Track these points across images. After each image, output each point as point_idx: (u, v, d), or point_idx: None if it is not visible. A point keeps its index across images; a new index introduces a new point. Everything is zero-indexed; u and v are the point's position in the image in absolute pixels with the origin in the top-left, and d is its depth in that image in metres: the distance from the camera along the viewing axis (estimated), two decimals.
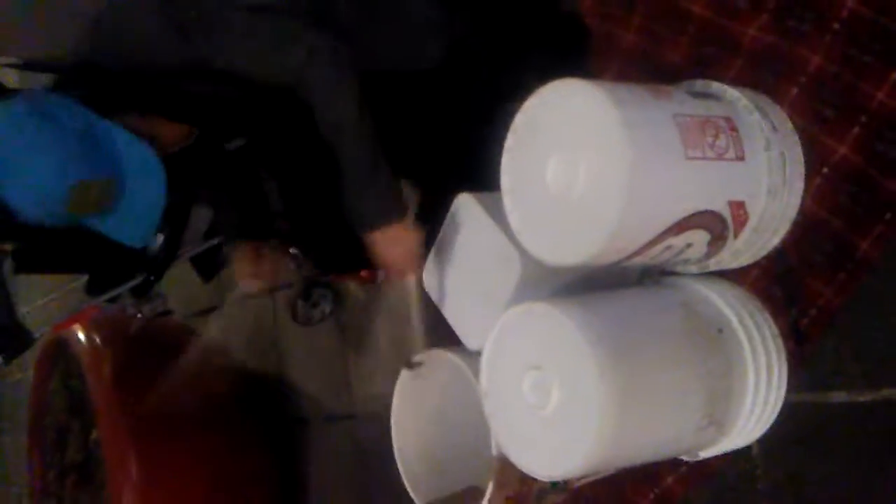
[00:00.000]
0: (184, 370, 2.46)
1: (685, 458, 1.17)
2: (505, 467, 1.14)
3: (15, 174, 1.14)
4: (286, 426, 2.73)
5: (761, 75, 1.18)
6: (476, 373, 1.13)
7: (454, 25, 1.27)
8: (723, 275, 1.17)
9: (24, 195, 1.14)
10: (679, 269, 1.18)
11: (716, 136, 1.01)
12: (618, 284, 1.20)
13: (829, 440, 1.16)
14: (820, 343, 1.15)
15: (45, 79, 1.34)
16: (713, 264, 1.14)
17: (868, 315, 1.11)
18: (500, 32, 1.35)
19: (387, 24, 1.28)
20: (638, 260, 1.04)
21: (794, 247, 1.15)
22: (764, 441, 1.16)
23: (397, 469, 1.37)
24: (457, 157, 1.27)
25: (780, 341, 1.12)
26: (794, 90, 1.15)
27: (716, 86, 1.11)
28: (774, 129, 1.07)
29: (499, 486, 1.18)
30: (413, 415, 1.37)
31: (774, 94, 1.15)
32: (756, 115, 1.07)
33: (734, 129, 1.04)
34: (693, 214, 1.00)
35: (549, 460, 1.02)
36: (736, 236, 1.08)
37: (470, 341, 1.19)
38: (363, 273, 1.94)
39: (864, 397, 1.11)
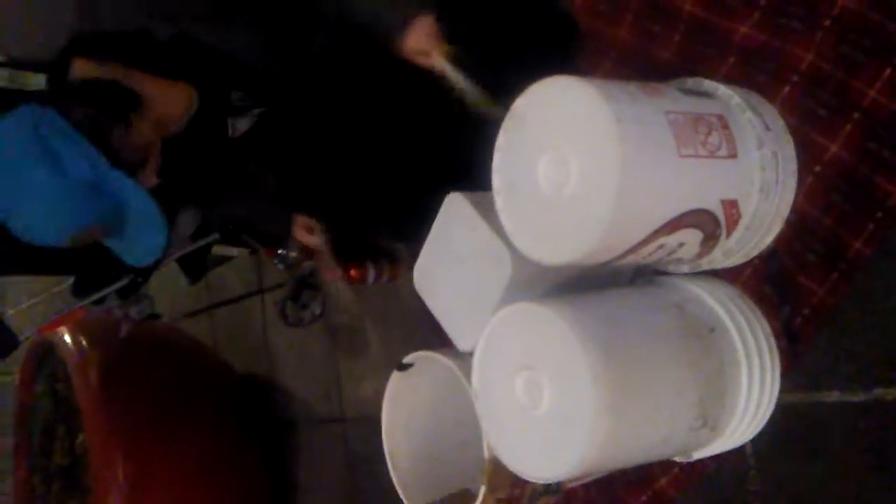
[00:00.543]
0: (171, 373, 2.45)
1: (678, 459, 1.16)
2: (497, 469, 1.13)
3: (18, 217, 1.18)
4: (276, 429, 2.72)
5: (753, 73, 1.18)
6: (467, 374, 1.12)
7: (443, 18, 1.26)
8: (715, 274, 1.17)
9: (25, 233, 1.18)
10: (671, 268, 1.17)
11: (708, 134, 1.01)
12: (610, 284, 1.19)
13: (822, 440, 1.16)
14: (813, 343, 1.14)
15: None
16: (705, 263, 1.14)
17: (861, 314, 1.11)
18: (491, 30, 1.34)
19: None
20: (630, 259, 1.04)
21: (787, 246, 1.14)
22: (757, 441, 1.16)
23: (388, 472, 1.36)
24: (447, 156, 1.27)
25: (772, 341, 1.12)
26: (786, 88, 1.15)
27: (708, 83, 1.11)
28: (767, 127, 1.07)
29: (491, 489, 1.18)
30: (404, 417, 1.36)
31: (766, 92, 1.15)
32: (748, 113, 1.06)
33: (726, 126, 1.04)
34: (686, 213, 1.00)
35: (541, 462, 1.01)
36: (728, 235, 1.07)
37: (461, 342, 1.18)
38: (353, 273, 1.93)
39: (858, 397, 1.11)
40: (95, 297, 2.15)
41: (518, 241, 1.04)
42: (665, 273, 1.19)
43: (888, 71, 1.05)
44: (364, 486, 2.32)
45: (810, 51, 1.13)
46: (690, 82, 1.12)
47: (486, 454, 1.15)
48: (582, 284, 1.13)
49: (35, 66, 1.35)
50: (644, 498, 1.34)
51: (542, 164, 0.99)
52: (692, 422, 1.04)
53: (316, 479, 2.61)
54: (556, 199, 0.98)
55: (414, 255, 1.26)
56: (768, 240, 1.12)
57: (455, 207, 1.18)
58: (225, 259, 2.69)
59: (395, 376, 1.34)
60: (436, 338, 1.26)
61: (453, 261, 1.19)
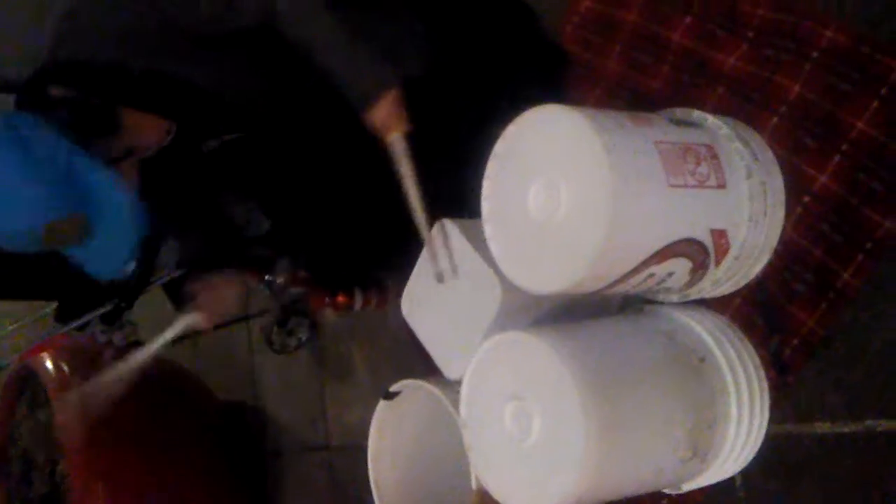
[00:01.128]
0: (154, 401, 2.41)
1: (668, 490, 1.15)
2: (484, 501, 1.12)
3: None
4: (260, 457, 2.68)
5: (742, 104, 1.19)
6: (455, 403, 1.11)
7: (435, 44, 1.26)
8: (704, 303, 1.17)
9: None
10: (660, 297, 1.17)
11: (697, 164, 1.01)
12: (599, 313, 1.18)
13: (812, 471, 1.15)
14: (802, 373, 1.14)
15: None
16: (694, 293, 1.14)
17: (850, 345, 1.11)
18: (481, 59, 1.35)
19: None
20: (620, 288, 1.03)
21: (776, 276, 1.14)
22: (747, 473, 1.15)
23: (373, 501, 1.35)
24: (437, 183, 1.26)
25: (762, 371, 1.11)
26: (775, 119, 1.15)
27: (696, 114, 1.11)
28: (755, 157, 1.07)
29: None
30: (390, 446, 1.35)
31: (755, 122, 1.15)
32: (737, 144, 1.07)
33: (715, 156, 1.04)
34: (675, 242, 0.99)
35: (529, 493, 1.00)
36: (717, 265, 1.07)
37: (449, 370, 1.17)
38: (340, 299, 1.92)
39: (847, 428, 1.10)
40: (78, 322, 2.13)
41: (507, 269, 1.03)
42: (654, 302, 1.18)
43: (876, 103, 1.06)
44: None
45: (798, 82, 1.13)
46: (679, 112, 1.13)
47: (473, 485, 1.14)
48: (571, 313, 1.13)
49: (4, 87, 1.34)
50: None
51: (531, 192, 0.99)
52: (682, 452, 1.03)
53: None
54: (545, 227, 0.97)
55: (402, 282, 1.25)
56: (757, 269, 1.12)
57: (444, 234, 1.17)
58: None
59: (382, 405, 1.33)
60: (423, 366, 1.25)
61: (441, 288, 1.18)
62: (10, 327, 2.72)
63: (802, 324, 1.13)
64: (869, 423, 1.08)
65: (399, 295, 1.26)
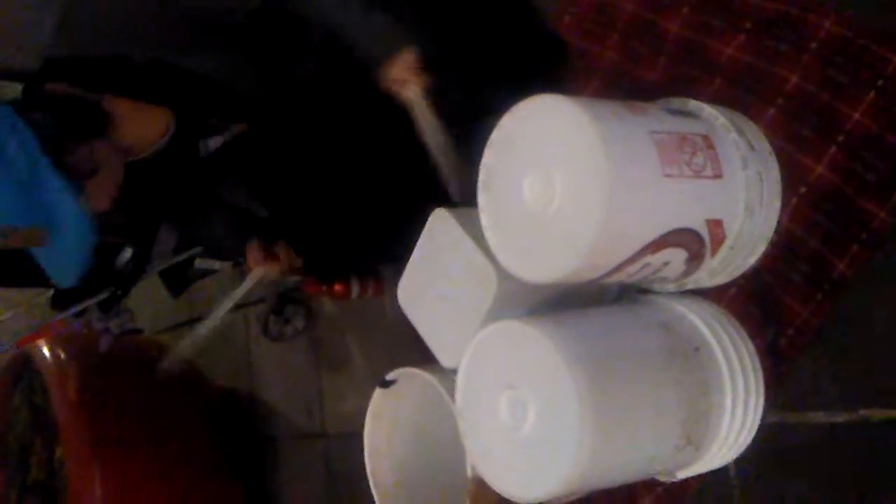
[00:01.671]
0: (151, 387, 2.41)
1: (662, 478, 1.16)
2: (480, 489, 1.12)
3: None
4: (256, 444, 2.69)
5: (739, 94, 1.18)
6: (451, 391, 1.11)
7: (429, 37, 1.26)
8: (700, 293, 1.17)
9: None
10: (656, 287, 1.17)
11: (693, 154, 1.01)
12: (595, 302, 1.19)
13: (806, 461, 1.16)
14: (797, 363, 1.15)
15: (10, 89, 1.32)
16: (690, 283, 1.14)
17: (845, 335, 1.11)
18: (478, 49, 1.35)
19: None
20: (615, 278, 1.03)
21: (772, 266, 1.14)
22: (741, 461, 1.15)
23: (369, 489, 1.35)
24: (433, 173, 1.26)
25: (757, 361, 1.11)
26: (772, 110, 1.15)
27: (693, 104, 1.11)
28: (752, 147, 1.07)
29: None
30: (386, 434, 1.35)
31: (752, 113, 1.15)
32: (733, 134, 1.07)
33: (711, 147, 1.04)
34: (670, 232, 1.00)
35: (525, 481, 1.00)
36: (713, 255, 1.08)
37: (445, 359, 1.17)
38: (337, 288, 1.92)
39: (842, 418, 1.11)
40: (75, 309, 2.13)
41: (503, 258, 1.03)
42: (650, 292, 1.19)
43: (872, 94, 1.06)
44: (345, 502, 2.30)
45: (796, 73, 1.13)
46: (676, 102, 1.13)
47: (469, 473, 1.15)
48: (567, 303, 1.13)
49: (10, 76, 1.33)
50: None
51: (527, 181, 0.99)
52: (676, 441, 1.04)
53: (296, 495, 2.59)
54: (541, 216, 0.97)
55: (398, 271, 1.25)
56: (753, 260, 1.13)
57: (440, 223, 1.18)
58: (207, 272, 2.67)
59: (378, 393, 1.33)
60: (419, 354, 1.26)
61: (438, 278, 1.18)
62: (7, 314, 2.72)
63: (797, 314, 1.13)
64: (863, 412, 1.09)
65: (395, 283, 1.26)
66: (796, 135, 1.13)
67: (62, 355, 2.37)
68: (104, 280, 2.07)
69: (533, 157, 0.99)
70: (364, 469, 1.35)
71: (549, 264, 0.98)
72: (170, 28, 1.20)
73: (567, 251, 0.95)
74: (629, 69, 1.32)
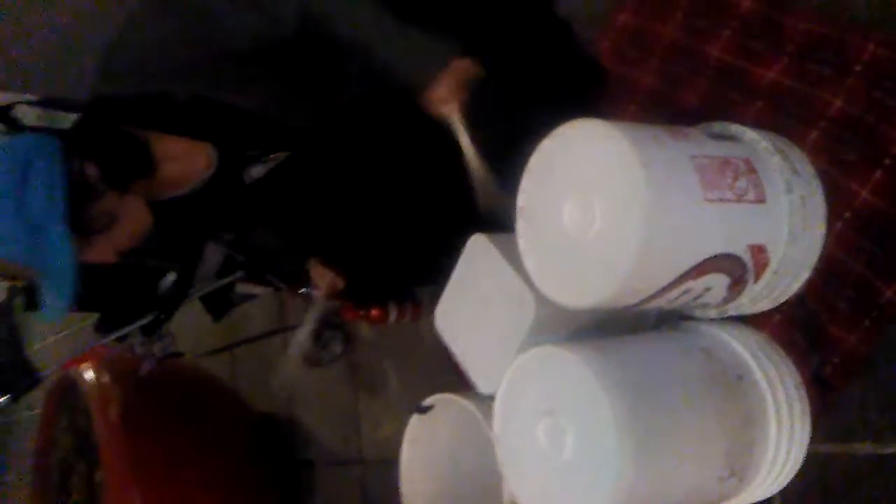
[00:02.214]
0: (192, 411, 2.44)
1: None
2: None
3: None
4: (294, 469, 2.70)
5: (781, 118, 1.17)
6: (488, 418, 1.10)
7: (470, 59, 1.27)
8: (743, 320, 1.15)
9: None
10: (697, 313, 1.15)
11: (735, 178, 1.00)
12: (634, 329, 1.17)
13: (853, 493, 1.13)
14: (844, 393, 1.12)
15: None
16: (732, 309, 1.12)
17: (894, 364, 1.08)
18: (518, 74, 1.35)
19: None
20: (655, 303, 1.02)
21: (816, 292, 1.12)
22: (786, 493, 1.12)
23: None
24: (472, 198, 1.26)
25: (802, 390, 1.09)
26: (815, 133, 1.14)
27: (734, 127, 1.10)
28: (795, 171, 1.05)
29: None
30: (422, 460, 1.34)
31: (794, 136, 1.13)
32: (776, 158, 1.05)
33: (753, 171, 1.03)
34: (712, 258, 0.98)
35: None
36: (756, 280, 1.06)
37: (482, 385, 1.16)
38: (374, 313, 1.92)
39: (891, 449, 1.08)
40: (118, 333, 2.16)
41: (541, 283, 1.03)
42: (690, 318, 1.17)
43: None
44: None
45: (839, 96, 1.12)
46: (717, 126, 1.12)
47: (506, 501, 1.13)
48: (606, 329, 1.12)
49: (65, 106, 1.37)
50: None
51: (566, 206, 0.98)
52: (720, 472, 1.02)
53: None
54: (580, 242, 0.97)
55: (436, 296, 1.25)
56: (796, 286, 1.10)
57: (478, 249, 1.17)
58: (248, 297, 2.69)
59: (415, 419, 1.32)
60: (457, 380, 1.25)
61: (476, 303, 1.18)
62: (52, 338, 2.77)
63: (844, 341, 1.10)
64: None
65: (433, 308, 1.26)
66: (840, 159, 1.11)
67: (105, 379, 2.40)
68: (147, 304, 2.10)
69: (572, 182, 0.98)
70: (400, 495, 1.34)
71: (588, 289, 0.97)
72: (210, 64, 1.22)
73: (606, 276, 0.94)
74: (668, 94, 1.31)
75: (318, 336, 2.54)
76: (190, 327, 3.02)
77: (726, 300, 1.09)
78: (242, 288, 2.37)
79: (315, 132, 1.35)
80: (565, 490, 0.98)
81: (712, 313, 1.14)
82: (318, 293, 1.56)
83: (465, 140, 1.20)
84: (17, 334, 2.03)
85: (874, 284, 1.08)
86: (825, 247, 1.09)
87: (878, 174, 1.08)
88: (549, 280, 1.02)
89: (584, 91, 1.42)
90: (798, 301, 1.13)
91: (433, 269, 1.26)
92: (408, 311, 1.97)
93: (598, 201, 0.95)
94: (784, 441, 1.05)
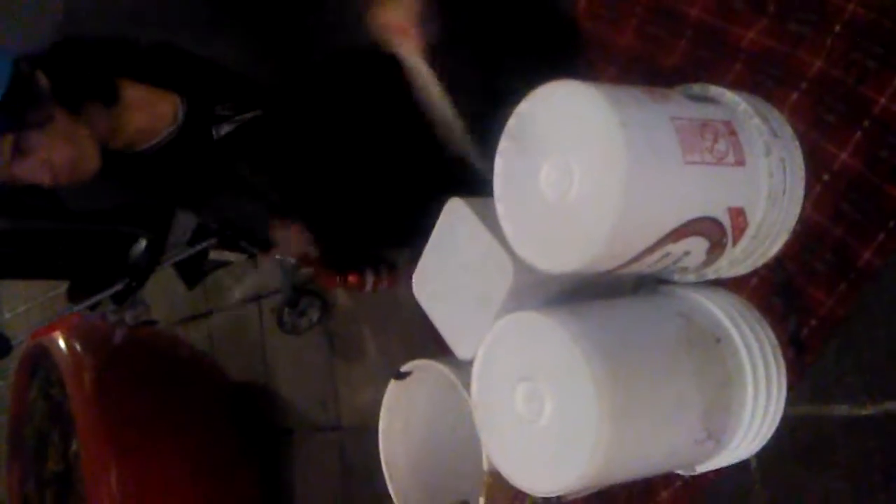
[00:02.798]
0: (166, 379, 2.42)
1: (682, 472, 1.14)
2: (496, 482, 1.11)
3: None
4: (271, 436, 2.69)
5: (761, 80, 1.16)
6: (466, 383, 1.09)
7: (442, 19, 1.24)
8: (721, 283, 1.15)
9: None
10: (676, 277, 1.15)
11: (715, 140, 0.98)
12: (612, 294, 1.16)
13: (829, 454, 1.13)
14: (821, 354, 1.12)
15: None
16: (711, 273, 1.12)
17: (871, 326, 1.08)
18: (492, 35, 1.32)
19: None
20: (634, 268, 1.01)
21: (794, 255, 1.12)
22: (762, 455, 1.13)
23: (384, 482, 1.34)
24: (447, 161, 1.24)
25: (779, 352, 1.09)
26: (795, 95, 1.13)
27: (714, 89, 1.09)
28: (775, 134, 1.05)
29: (490, 502, 1.15)
30: (401, 426, 1.34)
31: (774, 98, 1.13)
32: (756, 120, 1.04)
33: (733, 133, 1.02)
34: (691, 221, 0.97)
35: (541, 475, 0.98)
36: (735, 244, 1.05)
37: (460, 350, 1.16)
38: (351, 279, 1.91)
39: (866, 410, 1.08)
40: (90, 301, 2.13)
41: (520, 248, 1.01)
42: (668, 282, 1.16)
43: None
44: (360, 495, 2.29)
45: (820, 57, 1.10)
46: (696, 88, 1.10)
47: (485, 466, 1.13)
48: (584, 294, 1.11)
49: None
50: None
51: (544, 169, 0.97)
52: (697, 434, 1.02)
53: (311, 487, 2.59)
54: (559, 205, 0.95)
55: (413, 262, 1.24)
56: (775, 249, 1.10)
57: (455, 213, 1.16)
58: (222, 264, 2.67)
59: (393, 385, 1.32)
60: (435, 346, 1.24)
61: (453, 268, 1.16)
62: (23, 307, 2.73)
63: (821, 304, 1.10)
64: (889, 405, 1.06)
65: (410, 274, 1.24)
66: (820, 121, 1.10)
67: (77, 347, 2.38)
68: (119, 272, 2.07)
69: (550, 144, 0.97)
70: (379, 461, 1.33)
71: (567, 254, 0.96)
72: (176, 9, 1.18)
73: (585, 240, 0.93)
74: (647, 54, 1.30)
75: (294, 303, 2.53)
76: (163, 295, 3.00)
77: (705, 264, 1.08)
78: (216, 255, 2.34)
79: (284, 90, 1.32)
80: (544, 454, 0.97)
81: (691, 277, 1.13)
82: (288, 257, 1.54)
83: (427, 85, 1.13)
84: None
85: (852, 247, 1.08)
86: (804, 210, 1.08)
87: (857, 136, 1.07)
88: (528, 245, 1.00)
89: (562, 52, 1.40)
90: (776, 264, 1.13)
91: (409, 232, 1.25)
92: (384, 278, 1.96)
93: (576, 164, 0.93)
94: (761, 403, 1.06)
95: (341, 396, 2.42)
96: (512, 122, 1.01)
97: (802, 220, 1.09)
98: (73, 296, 2.26)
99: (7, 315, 3.12)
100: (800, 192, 1.07)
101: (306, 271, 2.22)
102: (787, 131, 1.08)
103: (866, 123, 1.06)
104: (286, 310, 2.53)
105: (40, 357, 2.54)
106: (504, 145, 1.02)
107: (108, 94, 1.20)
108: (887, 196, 1.05)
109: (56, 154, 1.18)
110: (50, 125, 1.15)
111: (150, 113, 1.26)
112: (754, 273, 1.14)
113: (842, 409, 1.11)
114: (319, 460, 2.49)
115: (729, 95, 1.07)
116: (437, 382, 1.22)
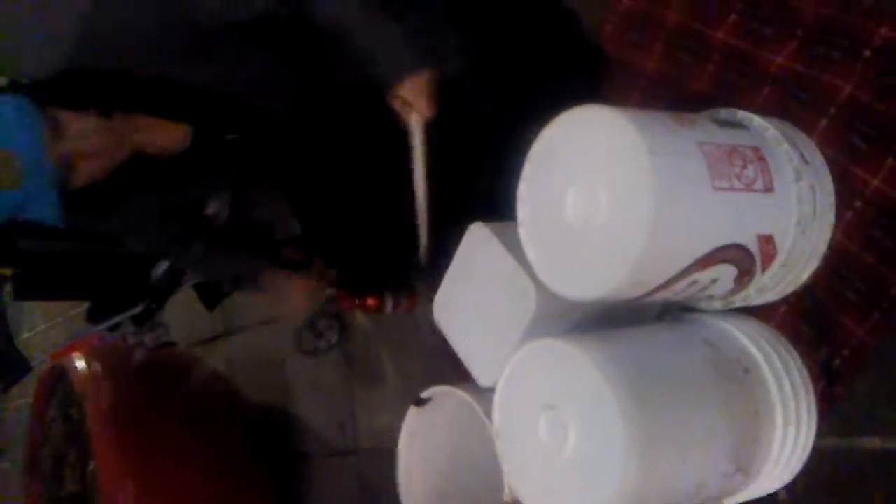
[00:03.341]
0: (185, 401, 2.41)
1: None
2: None
3: None
4: (289, 460, 2.68)
5: (789, 104, 1.14)
6: (488, 411, 1.08)
7: (471, 44, 1.24)
8: (749, 311, 1.12)
9: None
10: (703, 305, 1.13)
11: (743, 167, 0.97)
12: (637, 321, 1.14)
13: (859, 488, 1.11)
14: (852, 386, 1.09)
15: None
16: (739, 301, 1.09)
17: None
18: (519, 59, 1.32)
19: None
20: (661, 295, 0.99)
21: (825, 283, 1.10)
22: (792, 487, 1.10)
23: None
24: (472, 186, 1.23)
25: (809, 383, 1.06)
26: (824, 120, 1.11)
27: (742, 114, 1.07)
28: (804, 159, 1.03)
29: None
30: (420, 453, 1.32)
31: (803, 124, 1.11)
32: (785, 146, 1.02)
33: (762, 158, 1.00)
34: (720, 248, 0.95)
35: None
36: (763, 271, 1.03)
37: (482, 377, 1.14)
38: (370, 302, 1.90)
39: None
40: (110, 323, 2.14)
41: (543, 274, 1.00)
42: (695, 310, 1.14)
43: None
44: None
45: (850, 82, 1.09)
46: (724, 113, 1.09)
47: (506, 497, 1.11)
48: (608, 321, 1.09)
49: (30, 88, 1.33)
50: None
51: (569, 195, 0.95)
52: (725, 467, 0.99)
53: None
54: (583, 232, 0.94)
55: (434, 286, 1.22)
56: (805, 277, 1.08)
57: (478, 238, 1.14)
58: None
59: (412, 411, 1.30)
60: (455, 372, 1.23)
61: (475, 293, 1.15)
62: (42, 325, 2.74)
63: (853, 334, 1.08)
64: None
65: (429, 298, 1.23)
66: (850, 146, 1.08)
67: (96, 368, 2.38)
68: (139, 293, 2.08)
69: (575, 169, 0.96)
70: (396, 486, 1.32)
71: (592, 281, 0.94)
72: (178, 38, 1.18)
73: (610, 268, 0.91)
74: (674, 79, 1.29)
75: (313, 325, 2.52)
76: (183, 316, 3.00)
77: (733, 291, 1.06)
78: None
79: (295, 120, 1.32)
80: (567, 485, 0.95)
81: (718, 305, 1.11)
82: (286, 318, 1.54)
83: (417, 154, 1.18)
84: (6, 323, 2.00)
85: (885, 275, 1.05)
86: (834, 237, 1.06)
87: (889, 162, 1.05)
88: (552, 271, 0.99)
89: (588, 77, 1.39)
90: (806, 292, 1.10)
91: (435, 252, 1.24)
92: (404, 301, 1.94)
93: (602, 190, 0.92)
94: (790, 436, 1.03)
95: (359, 419, 2.40)
96: (536, 147, 1.00)
97: (833, 248, 1.06)
98: (93, 317, 2.27)
99: (27, 334, 3.14)
100: (830, 218, 1.05)
101: (326, 293, 2.21)
102: (818, 157, 1.06)
103: None
104: (304, 331, 2.53)
105: (59, 378, 2.55)
106: (528, 170, 1.01)
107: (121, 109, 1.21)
108: None
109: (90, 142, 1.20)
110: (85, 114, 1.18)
111: (157, 135, 1.26)
112: (783, 301, 1.12)
113: (873, 442, 1.08)
114: (338, 484, 2.47)
115: (757, 120, 1.05)
116: (458, 409, 1.20)
